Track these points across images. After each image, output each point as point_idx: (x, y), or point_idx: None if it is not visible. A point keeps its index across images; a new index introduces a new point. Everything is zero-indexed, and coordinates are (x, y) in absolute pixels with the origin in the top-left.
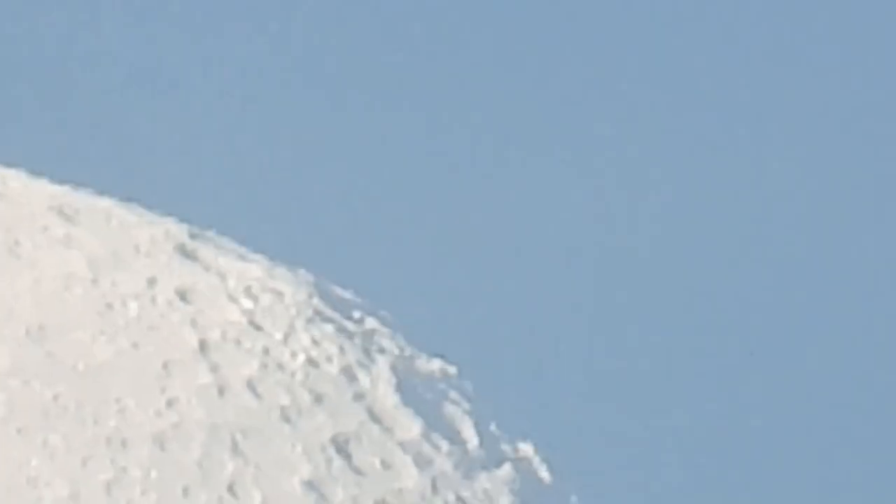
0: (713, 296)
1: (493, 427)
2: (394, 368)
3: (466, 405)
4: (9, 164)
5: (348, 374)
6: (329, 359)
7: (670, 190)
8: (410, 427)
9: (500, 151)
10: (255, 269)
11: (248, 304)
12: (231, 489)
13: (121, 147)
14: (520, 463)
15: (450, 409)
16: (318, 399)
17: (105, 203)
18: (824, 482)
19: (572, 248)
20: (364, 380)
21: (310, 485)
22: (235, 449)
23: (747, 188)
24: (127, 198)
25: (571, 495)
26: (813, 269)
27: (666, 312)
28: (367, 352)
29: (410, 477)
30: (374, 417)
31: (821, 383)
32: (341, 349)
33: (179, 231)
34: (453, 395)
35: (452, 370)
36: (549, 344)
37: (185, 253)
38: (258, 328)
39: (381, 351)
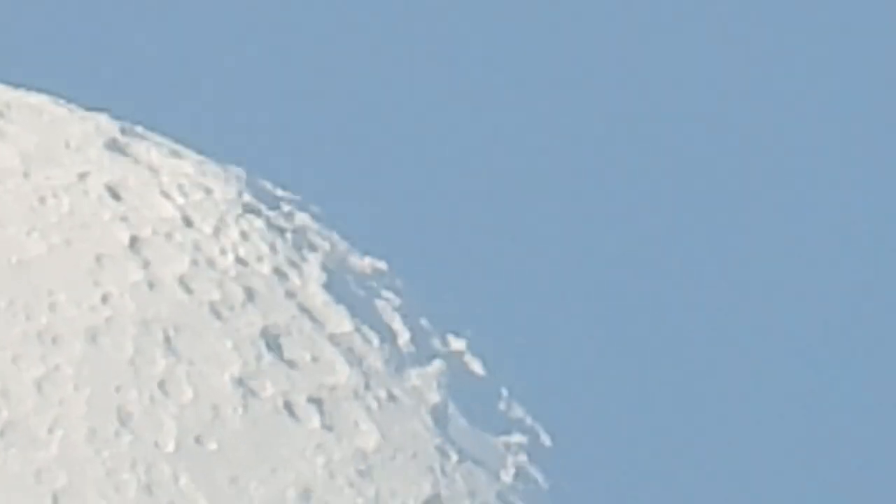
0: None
1: (424, 322)
2: (324, 265)
3: (397, 301)
4: None
5: (279, 270)
6: (259, 255)
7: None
8: (341, 323)
9: None
10: (186, 165)
11: (179, 200)
12: (162, 385)
13: (53, 44)
14: (451, 358)
15: (381, 305)
16: (249, 295)
17: (36, 98)
18: (817, 482)
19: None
20: (295, 276)
21: (240, 381)
22: (167, 345)
23: (748, 188)
24: (59, 94)
25: (502, 389)
26: (813, 270)
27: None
28: (297, 248)
29: (342, 372)
30: (305, 313)
31: (819, 385)
32: (272, 245)
33: (111, 126)
34: (384, 291)
35: (383, 266)
36: (481, 236)
37: (117, 148)
38: (189, 224)
39: (312, 247)
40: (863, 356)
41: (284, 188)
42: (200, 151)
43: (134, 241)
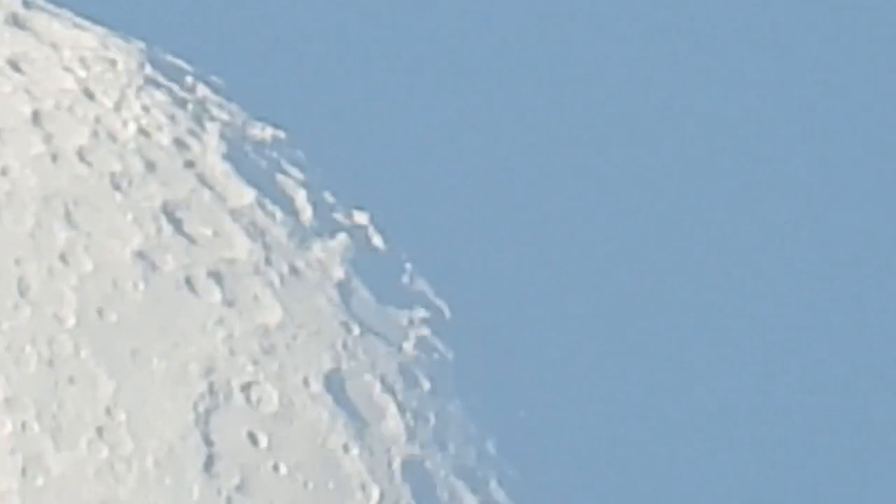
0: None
1: (327, 196)
2: (225, 136)
3: (300, 174)
4: None
5: (179, 141)
6: (160, 127)
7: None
8: (242, 195)
9: None
10: (89, 37)
11: (81, 73)
12: (63, 258)
13: None
14: (355, 232)
15: (283, 180)
16: (150, 167)
17: None
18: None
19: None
20: (195, 147)
21: (141, 254)
22: (68, 218)
23: (749, 188)
24: None
25: (405, 263)
26: (813, 272)
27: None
28: (198, 119)
29: (242, 247)
30: (206, 185)
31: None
32: (172, 117)
33: (12, 0)
34: (286, 164)
35: (284, 136)
36: (384, 110)
37: (18, 22)
38: (91, 97)
39: (213, 118)
40: (863, 357)
41: (186, 60)
42: (104, 24)
43: (36, 114)
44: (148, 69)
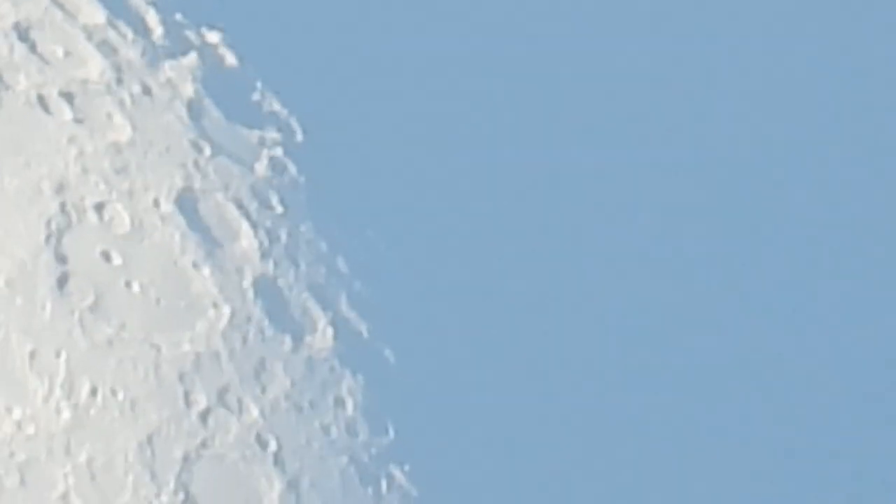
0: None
1: (178, 16)
2: None
3: None
4: None
5: None
6: None
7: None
8: (94, 15)
9: None
10: None
11: None
12: None
13: None
14: (206, 50)
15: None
16: None
17: None
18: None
19: None
20: None
21: None
22: None
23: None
24: None
25: (257, 82)
26: (812, 274)
27: None
28: None
29: (94, 66)
30: (58, 5)
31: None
32: None
33: None
34: None
35: None
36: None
37: None
38: None
39: None
40: (863, 358)
41: None
42: None
43: None
44: None
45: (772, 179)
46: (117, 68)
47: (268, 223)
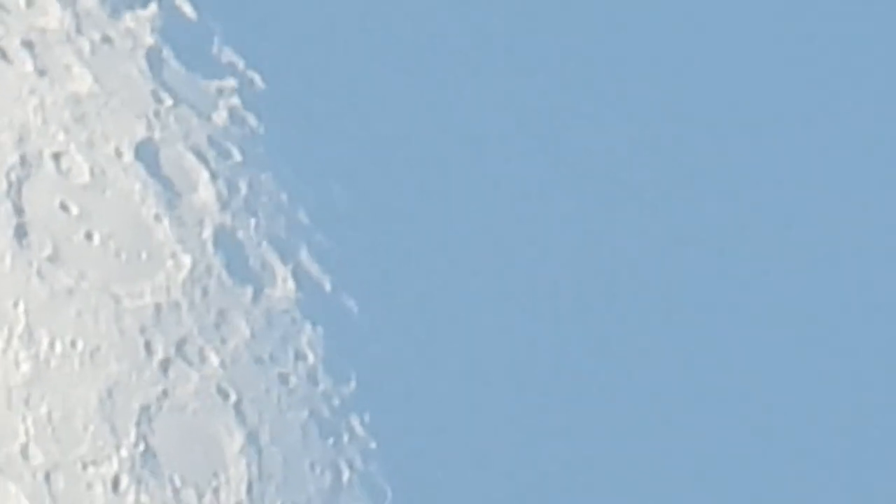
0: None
1: None
2: None
3: None
4: None
5: None
6: None
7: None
8: None
9: None
10: None
11: None
12: None
13: None
14: (165, 2)
15: None
16: None
17: None
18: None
19: None
20: None
21: None
22: None
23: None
24: None
25: (216, 32)
26: (811, 276)
27: None
28: None
29: (54, 15)
30: None
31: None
32: None
33: None
34: None
35: None
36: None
37: None
38: None
39: None
40: (863, 360)
41: None
42: None
43: None
44: None
45: (772, 179)
46: (77, 17)
47: (227, 174)
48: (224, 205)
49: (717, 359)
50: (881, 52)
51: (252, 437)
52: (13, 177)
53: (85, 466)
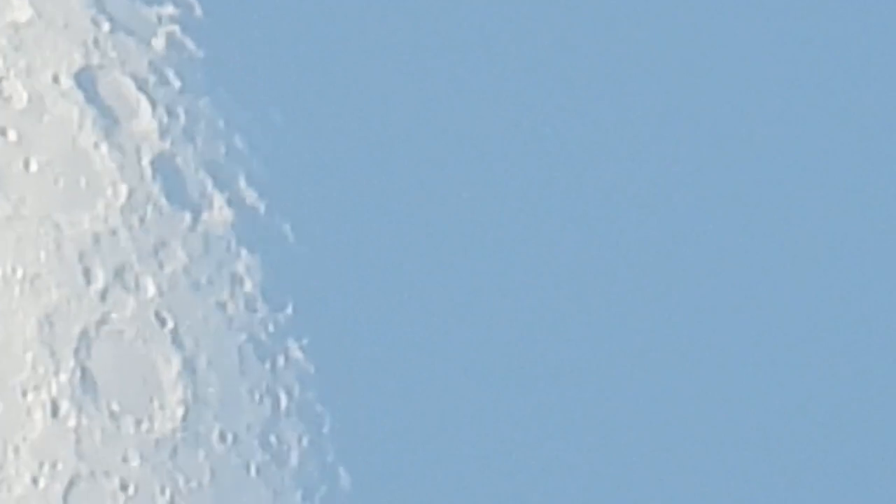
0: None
1: None
2: None
3: None
4: None
5: None
6: None
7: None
8: None
9: None
10: None
11: None
12: None
13: None
14: None
15: None
16: None
17: None
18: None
19: None
20: None
21: None
22: None
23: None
24: None
25: None
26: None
27: None
28: None
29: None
30: None
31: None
32: None
33: None
34: None
35: None
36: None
37: None
38: None
39: None
40: (863, 361)
41: None
42: None
43: None
44: None
45: (771, 180)
46: None
47: (166, 100)
48: (163, 131)
49: (718, 359)
50: (881, 52)
51: (189, 363)
52: None
53: (25, 393)
